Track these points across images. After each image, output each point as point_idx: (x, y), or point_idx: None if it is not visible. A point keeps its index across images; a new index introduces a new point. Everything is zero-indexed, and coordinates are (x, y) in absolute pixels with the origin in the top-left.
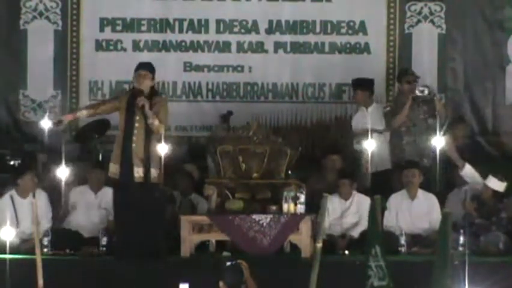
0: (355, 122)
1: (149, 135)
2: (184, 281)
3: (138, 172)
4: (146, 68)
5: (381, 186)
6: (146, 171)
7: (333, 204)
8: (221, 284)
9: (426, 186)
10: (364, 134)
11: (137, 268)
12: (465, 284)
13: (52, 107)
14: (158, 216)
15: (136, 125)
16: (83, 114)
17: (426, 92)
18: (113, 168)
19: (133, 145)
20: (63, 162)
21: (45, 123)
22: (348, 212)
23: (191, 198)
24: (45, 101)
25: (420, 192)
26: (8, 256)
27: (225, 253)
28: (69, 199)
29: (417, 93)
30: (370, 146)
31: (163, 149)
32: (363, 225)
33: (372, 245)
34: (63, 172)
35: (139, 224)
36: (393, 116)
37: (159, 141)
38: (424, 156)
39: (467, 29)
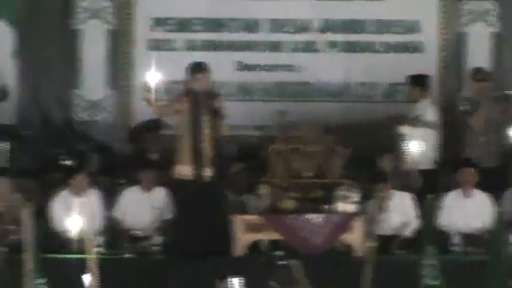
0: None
1: (215, 135)
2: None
3: (207, 172)
4: (205, 69)
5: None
6: (213, 171)
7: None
8: (273, 283)
9: (488, 187)
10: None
11: (190, 267)
12: None
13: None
14: (217, 216)
15: (204, 125)
16: (154, 107)
17: None
18: (183, 170)
19: (203, 145)
20: (116, 162)
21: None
22: (392, 213)
23: (243, 197)
24: (98, 100)
25: (476, 192)
26: (61, 255)
27: (278, 252)
28: (121, 199)
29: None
30: (417, 138)
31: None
32: (414, 223)
33: (426, 244)
34: (115, 172)
35: (200, 223)
36: (472, 115)
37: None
38: (492, 156)
39: None
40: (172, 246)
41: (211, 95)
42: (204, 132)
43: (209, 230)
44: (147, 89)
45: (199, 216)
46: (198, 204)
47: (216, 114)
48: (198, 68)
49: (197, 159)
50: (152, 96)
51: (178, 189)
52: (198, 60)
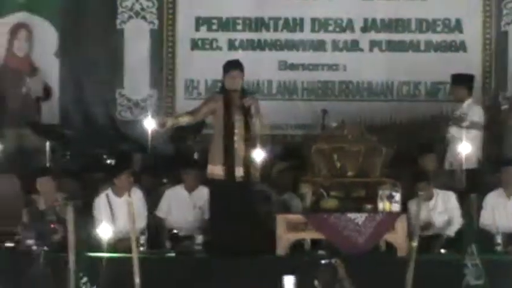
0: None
1: (249, 134)
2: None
3: (239, 171)
4: (238, 67)
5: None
6: (247, 171)
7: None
8: (316, 282)
9: None
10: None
11: (233, 266)
12: None
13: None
14: (257, 215)
15: (237, 124)
16: (184, 120)
17: None
18: (216, 170)
19: (235, 145)
20: (158, 161)
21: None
22: (435, 212)
23: (285, 197)
24: (141, 99)
25: None
26: (104, 255)
27: (320, 252)
28: (164, 199)
29: None
30: (462, 138)
31: (260, 148)
32: (457, 223)
33: (468, 244)
34: (158, 171)
35: (237, 222)
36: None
37: (257, 140)
38: None
39: None
40: (211, 245)
41: (244, 93)
42: (236, 132)
43: (245, 229)
44: (163, 125)
45: (232, 216)
46: (230, 204)
47: (248, 113)
48: (230, 66)
49: (229, 159)
50: (172, 122)
51: (210, 189)
52: (241, 59)
